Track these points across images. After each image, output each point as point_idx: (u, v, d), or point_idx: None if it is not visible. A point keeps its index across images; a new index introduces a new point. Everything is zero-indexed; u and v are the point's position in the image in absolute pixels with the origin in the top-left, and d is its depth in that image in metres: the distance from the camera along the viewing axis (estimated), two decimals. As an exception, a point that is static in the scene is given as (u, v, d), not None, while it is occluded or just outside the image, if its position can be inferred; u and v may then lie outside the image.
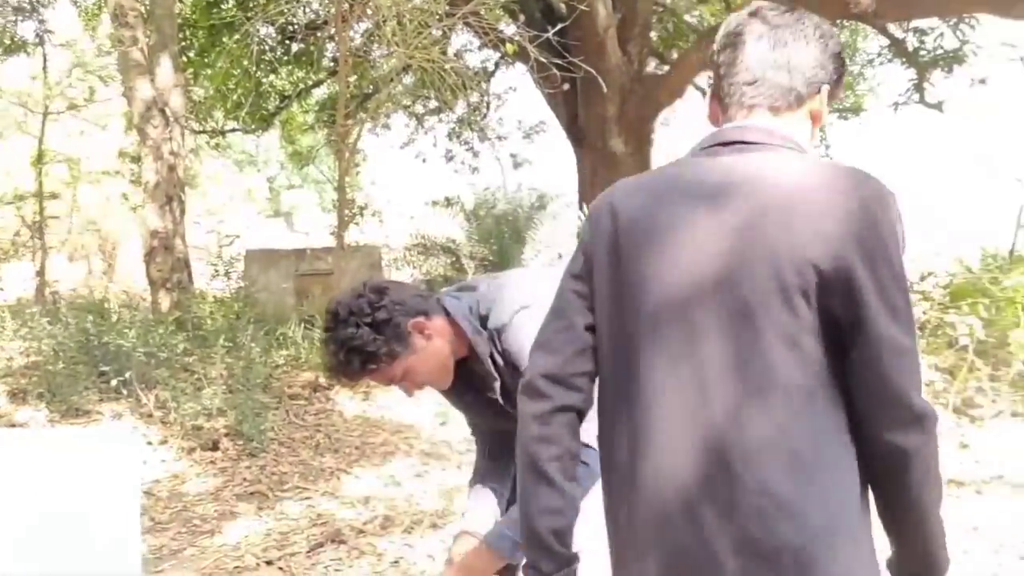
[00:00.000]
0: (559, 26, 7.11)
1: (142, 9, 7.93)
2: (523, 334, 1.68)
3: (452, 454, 4.68)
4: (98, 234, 11.78)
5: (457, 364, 1.87)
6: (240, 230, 11.53)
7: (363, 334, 1.75)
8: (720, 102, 1.33)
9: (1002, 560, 3.11)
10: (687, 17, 12.35)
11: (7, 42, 10.77)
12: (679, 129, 13.06)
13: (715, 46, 1.35)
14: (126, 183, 10.80)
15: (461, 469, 4.30)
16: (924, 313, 6.12)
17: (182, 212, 7.92)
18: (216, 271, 9.57)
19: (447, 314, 1.84)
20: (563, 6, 8.22)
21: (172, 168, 7.69)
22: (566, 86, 8.00)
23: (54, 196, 10.23)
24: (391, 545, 3.46)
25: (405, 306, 1.80)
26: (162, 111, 7.58)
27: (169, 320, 6.39)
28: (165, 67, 7.66)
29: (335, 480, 4.26)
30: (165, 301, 7.56)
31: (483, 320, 1.82)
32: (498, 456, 2.03)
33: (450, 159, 15.00)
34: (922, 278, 6.81)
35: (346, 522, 3.62)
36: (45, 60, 10.57)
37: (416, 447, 4.83)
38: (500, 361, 1.80)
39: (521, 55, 8.60)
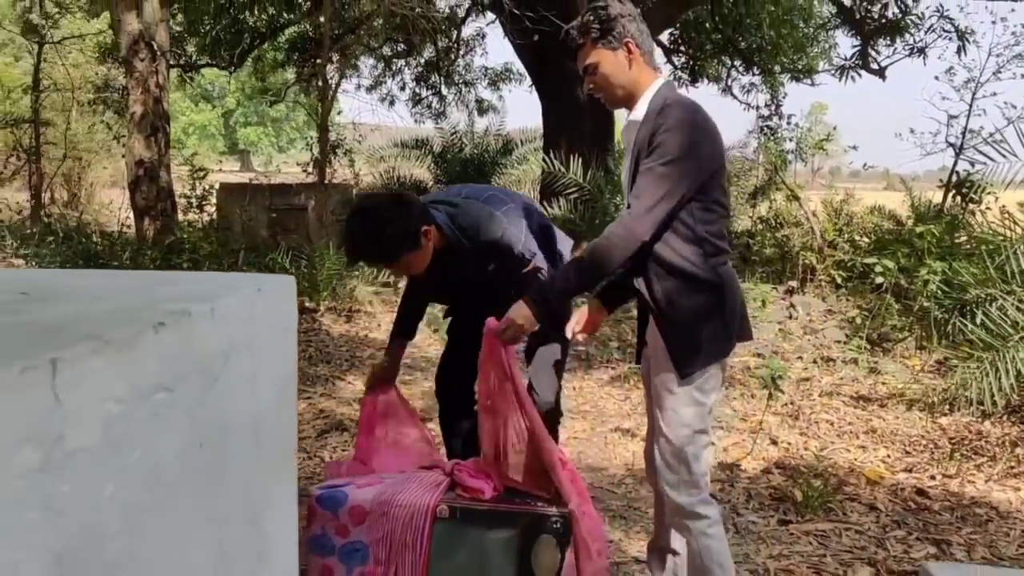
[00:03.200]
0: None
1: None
2: (510, 232, 2.51)
3: (432, 367, 5.26)
4: (78, 162, 11.94)
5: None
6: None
7: (400, 231, 2.39)
8: (644, 54, 2.10)
9: (890, 453, 3.83)
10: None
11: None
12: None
13: (631, 15, 2.09)
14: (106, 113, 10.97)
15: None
16: (851, 259, 6.85)
17: (167, 143, 8.26)
18: (189, 203, 9.88)
19: (435, 223, 2.49)
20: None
21: (158, 100, 8.00)
22: (535, 37, 8.45)
23: (48, 124, 10.41)
24: (384, 437, 4.04)
25: (423, 216, 2.45)
26: (148, 44, 7.86)
27: (162, 245, 6.80)
28: (152, 2, 7.92)
29: (331, 384, 4.82)
30: (150, 229, 7.95)
31: (462, 228, 2.52)
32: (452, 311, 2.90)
33: (417, 102, 15.35)
34: (848, 226, 7.55)
35: (346, 415, 4.19)
36: None
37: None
38: (470, 253, 2.52)
39: (494, 5, 9.02)
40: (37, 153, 9.90)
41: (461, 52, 14.49)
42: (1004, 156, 6.49)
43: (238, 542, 1.20)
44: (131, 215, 8.35)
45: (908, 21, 9.16)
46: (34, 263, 5.86)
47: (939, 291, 5.15)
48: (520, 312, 2.08)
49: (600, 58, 2.09)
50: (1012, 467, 3.56)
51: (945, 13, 9.08)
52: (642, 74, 2.11)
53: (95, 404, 0.83)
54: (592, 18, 2.09)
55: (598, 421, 4.35)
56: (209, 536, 1.11)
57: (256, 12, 11.57)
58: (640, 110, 2.08)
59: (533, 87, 11.32)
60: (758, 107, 12.69)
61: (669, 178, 1.95)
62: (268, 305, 1.34)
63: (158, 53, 7.92)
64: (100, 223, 9.58)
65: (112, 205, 11.35)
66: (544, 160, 8.82)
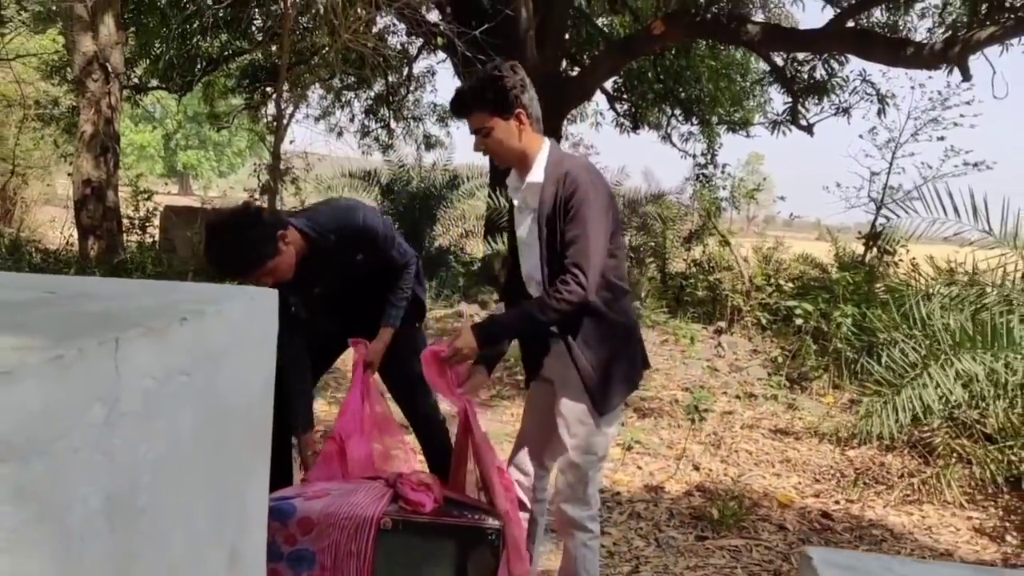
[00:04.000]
0: (485, 26, 7.84)
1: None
2: (370, 217, 2.77)
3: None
4: (16, 178, 11.79)
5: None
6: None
7: (256, 236, 2.52)
8: (534, 122, 2.30)
9: (801, 480, 4.15)
10: (600, 22, 13.34)
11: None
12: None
13: (523, 85, 2.30)
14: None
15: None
16: (775, 303, 7.27)
17: (116, 164, 8.32)
18: (132, 223, 9.88)
19: (295, 228, 2.65)
20: (487, 4, 8.96)
21: (109, 121, 8.08)
22: (485, 78, 8.79)
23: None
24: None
25: (276, 220, 2.63)
26: (103, 66, 7.95)
27: (107, 264, 6.84)
28: (108, 24, 8.02)
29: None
30: (94, 247, 7.97)
31: (322, 224, 2.72)
32: (317, 311, 2.93)
33: (365, 134, 15.55)
34: (776, 272, 8.00)
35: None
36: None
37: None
38: (336, 247, 2.69)
39: (447, 46, 9.34)
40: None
41: (411, 87, 14.78)
42: (915, 213, 7.00)
43: (227, 504, 1.42)
44: (75, 233, 8.34)
45: (834, 83, 9.81)
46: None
47: (850, 334, 5.56)
48: (466, 340, 2.29)
49: (493, 124, 2.28)
50: (907, 495, 3.90)
51: (867, 77, 9.77)
52: (532, 140, 2.31)
53: (140, 378, 1.05)
54: (486, 86, 2.28)
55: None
56: (210, 497, 1.32)
57: (210, 39, 11.68)
58: (537, 173, 2.29)
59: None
60: (695, 155, 13.26)
61: (597, 241, 2.20)
62: (258, 312, 1.57)
63: (112, 75, 8.01)
64: (39, 240, 9.49)
65: (54, 223, 11.24)
66: (489, 196, 9.11)
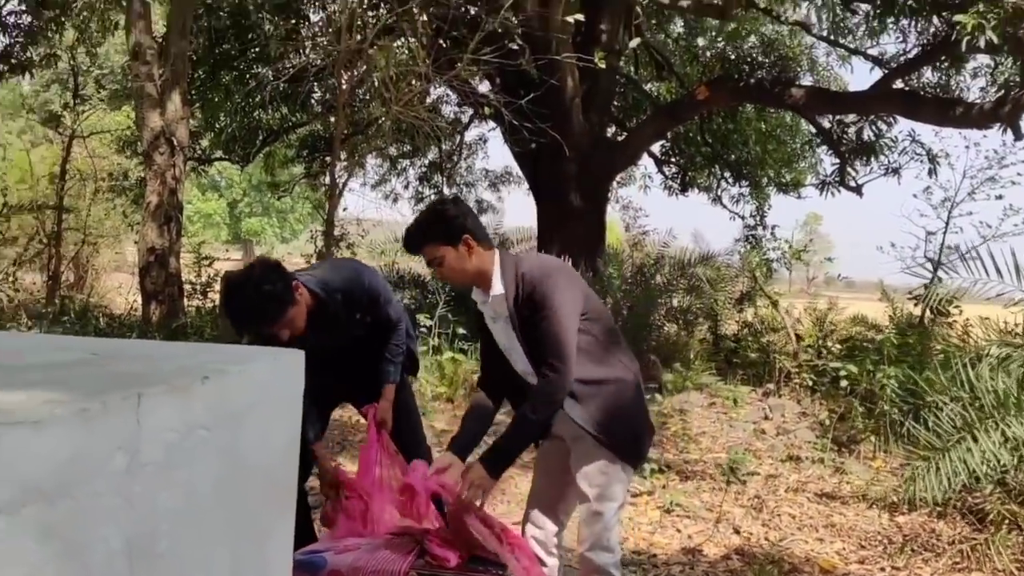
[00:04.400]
0: (531, 95, 8.08)
1: (158, 48, 8.76)
2: (375, 281, 2.97)
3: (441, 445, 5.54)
4: (89, 246, 12.40)
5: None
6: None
7: (276, 289, 2.64)
8: (481, 242, 2.44)
9: (845, 545, 4.07)
10: (646, 87, 13.58)
11: (13, 62, 11.46)
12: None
13: (464, 214, 2.51)
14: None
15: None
16: (823, 364, 7.18)
17: (178, 232, 8.70)
18: (194, 288, 10.24)
19: (302, 284, 2.78)
20: (535, 73, 9.23)
21: (173, 192, 8.48)
22: (533, 145, 9.01)
23: (69, 211, 10.95)
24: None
25: (288, 273, 2.74)
26: (169, 140, 8.39)
27: (167, 328, 7.12)
28: (175, 101, 8.49)
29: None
30: (156, 312, 8.29)
31: (329, 283, 2.87)
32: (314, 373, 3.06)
33: (419, 201, 15.95)
34: (827, 334, 7.90)
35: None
36: (76, 87, 11.37)
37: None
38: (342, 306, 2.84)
39: (495, 116, 9.62)
40: (58, 238, 10.39)
41: (463, 155, 15.17)
42: (974, 274, 6.88)
43: (246, 558, 1.50)
44: (139, 298, 8.70)
45: (882, 144, 9.78)
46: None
47: (896, 396, 5.46)
48: (478, 475, 2.42)
49: (443, 253, 2.45)
50: (956, 562, 3.79)
51: (917, 137, 9.72)
52: (482, 259, 2.46)
53: (161, 431, 1.16)
54: (432, 221, 2.49)
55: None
56: (226, 549, 1.41)
57: (271, 112, 12.22)
58: (497, 286, 2.44)
59: (530, 190, 11.88)
60: (743, 217, 13.25)
61: (564, 326, 2.36)
62: (283, 372, 1.67)
63: (177, 148, 8.44)
64: (106, 306, 9.92)
65: (120, 288, 11.73)
66: (537, 260, 9.23)
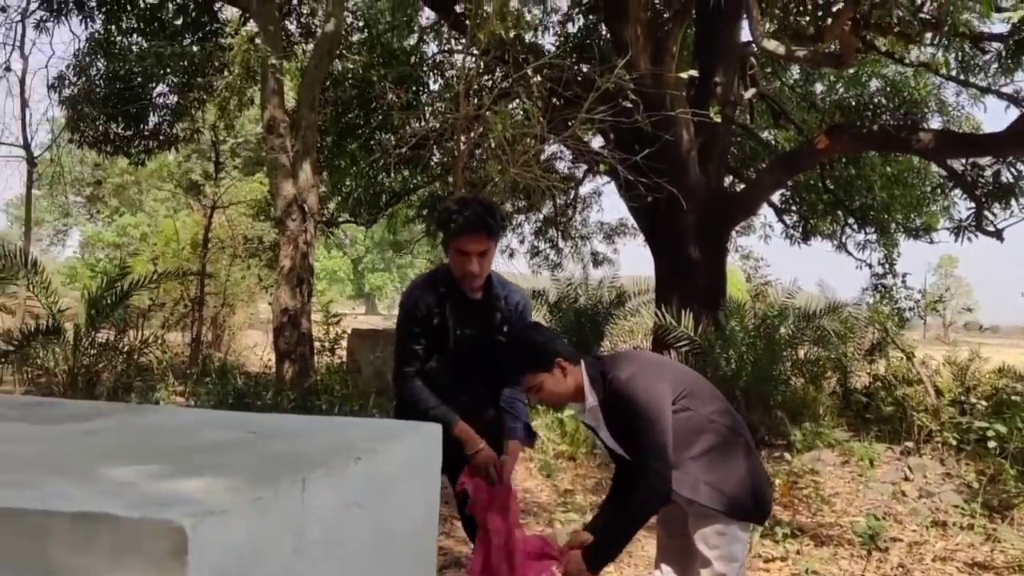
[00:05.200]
0: (646, 151, 8.10)
1: (290, 120, 9.32)
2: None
3: (545, 512, 5.51)
4: (227, 308, 13.20)
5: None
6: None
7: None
8: (569, 359, 2.57)
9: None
10: (764, 135, 13.37)
11: (161, 138, 12.44)
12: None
13: (551, 337, 2.69)
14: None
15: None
16: (967, 422, 6.76)
17: (309, 294, 9.11)
18: (323, 346, 10.67)
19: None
20: (649, 128, 9.28)
21: (305, 256, 8.92)
22: (649, 199, 9.00)
23: (211, 276, 11.78)
24: None
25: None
26: (300, 207, 8.86)
27: (300, 386, 7.44)
28: (306, 170, 8.98)
29: (450, 523, 5.14)
30: (289, 371, 8.68)
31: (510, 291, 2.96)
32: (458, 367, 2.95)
33: (535, 255, 16.16)
34: (969, 389, 7.45)
35: (463, 554, 4.49)
36: (218, 161, 12.31)
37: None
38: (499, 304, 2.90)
39: (611, 171, 9.69)
40: (201, 302, 11.14)
41: (578, 208, 15.31)
42: None
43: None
44: (273, 357, 9.13)
45: (1022, 186, 9.24)
46: (192, 401, 6.58)
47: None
48: (576, 568, 2.50)
49: (541, 380, 2.54)
50: None
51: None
52: (574, 374, 2.56)
53: (322, 511, 1.24)
54: (523, 351, 2.59)
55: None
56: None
57: (393, 175, 12.74)
58: (590, 398, 2.55)
59: (646, 242, 11.82)
60: (871, 264, 12.73)
61: (655, 427, 2.43)
62: (424, 446, 1.75)
63: (308, 214, 8.90)
64: (242, 364, 10.49)
65: (256, 348, 12.35)
66: (656, 313, 9.16)
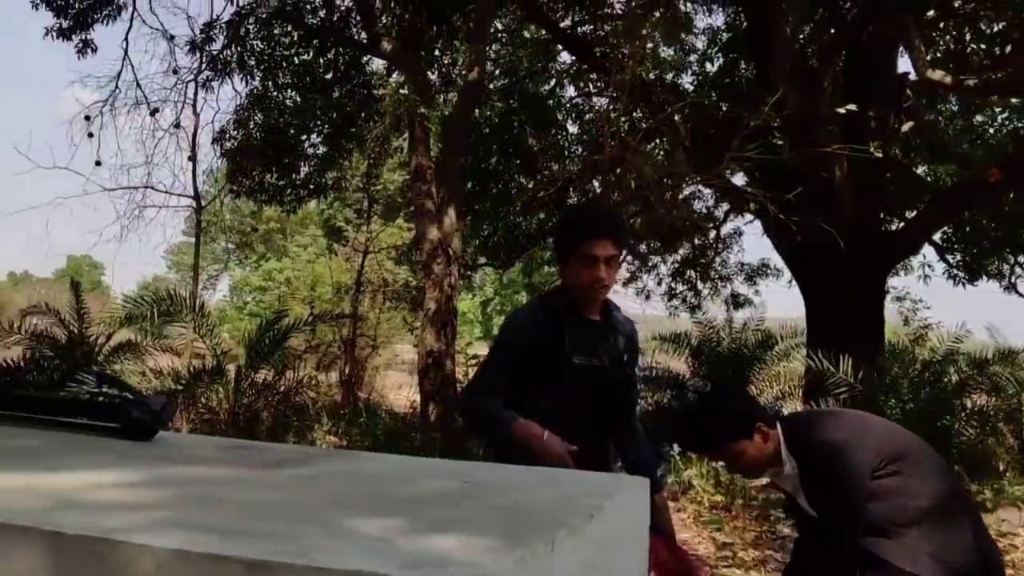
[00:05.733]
0: (798, 189, 7.80)
1: (434, 167, 9.57)
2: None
3: None
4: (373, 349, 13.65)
5: None
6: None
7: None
8: (766, 419, 2.44)
9: None
10: (920, 170, 12.66)
11: (311, 186, 13.05)
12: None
13: (750, 396, 2.63)
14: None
15: None
16: None
17: (453, 336, 9.24)
18: (462, 387, 10.75)
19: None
20: (798, 166, 8.95)
21: (449, 298, 9.06)
22: (799, 238, 8.64)
23: (362, 319, 12.27)
24: None
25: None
26: (445, 251, 9.02)
27: (445, 428, 7.49)
28: (450, 215, 9.16)
29: None
30: (434, 412, 8.78)
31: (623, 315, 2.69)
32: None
33: (672, 296, 15.83)
34: None
35: None
36: (370, 208, 12.90)
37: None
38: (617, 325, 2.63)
39: (759, 211, 9.40)
40: (353, 344, 11.57)
41: (718, 249, 14.93)
42: None
43: None
44: (417, 398, 9.28)
45: None
46: (345, 440, 6.74)
47: None
48: None
49: (742, 448, 2.38)
50: None
51: None
52: (773, 439, 2.39)
53: (567, 572, 1.15)
54: (722, 419, 2.42)
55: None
56: None
57: (530, 218, 12.85)
58: (789, 464, 2.38)
59: (792, 282, 11.35)
60: (1048, 306, 11.73)
61: (848, 507, 2.27)
62: (635, 503, 1.65)
63: (452, 258, 9.05)
64: (387, 404, 10.73)
65: (400, 390, 12.64)
66: (809, 357, 8.73)
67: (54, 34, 10.33)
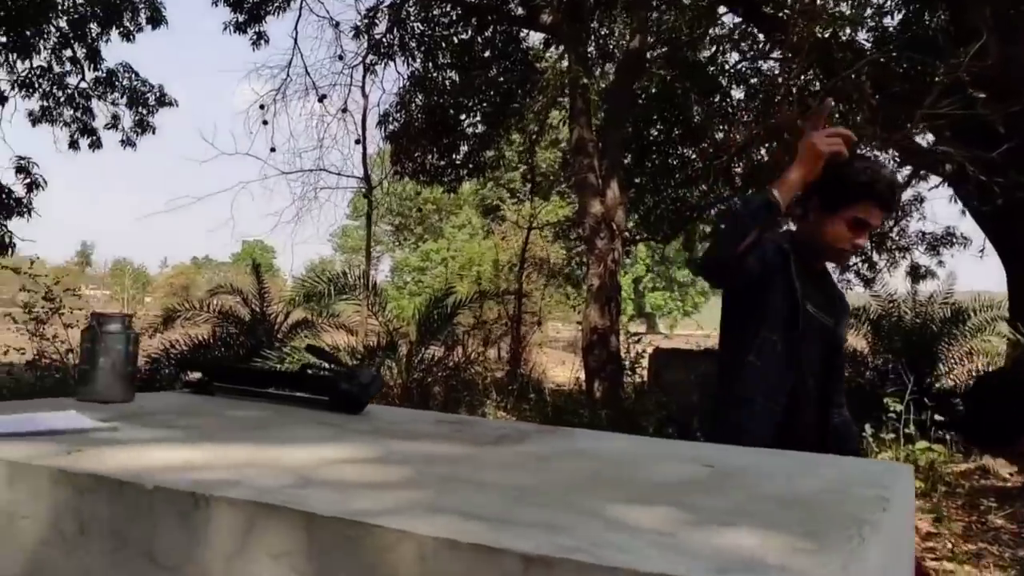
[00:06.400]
0: (1003, 147, 7.06)
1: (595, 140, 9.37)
2: None
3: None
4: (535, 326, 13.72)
5: None
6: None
7: None
8: None
9: None
10: None
11: (471, 165, 13.14)
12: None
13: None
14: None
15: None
16: None
17: (617, 312, 9.06)
18: (624, 366, 10.55)
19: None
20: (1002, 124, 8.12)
21: (613, 274, 8.88)
22: (1000, 201, 7.84)
23: (527, 295, 12.38)
24: None
25: None
26: (608, 226, 8.83)
27: (612, 405, 7.35)
28: (613, 188, 8.95)
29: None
30: (599, 389, 8.65)
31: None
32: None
33: (844, 270, 14.88)
34: None
35: None
36: (534, 183, 12.96)
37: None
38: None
39: (956, 173, 8.61)
40: (519, 320, 11.66)
41: (897, 216, 13.88)
42: None
43: None
44: (582, 374, 9.18)
45: None
46: (514, 415, 6.75)
47: None
48: None
49: None
50: None
51: None
52: None
53: (869, 570, 0.96)
54: None
55: None
56: None
57: (691, 190, 12.41)
58: None
59: (982, 252, 10.40)
60: None
61: None
62: (907, 491, 1.45)
63: (616, 232, 8.85)
64: (548, 379, 10.73)
65: (556, 364, 12.63)
66: (1011, 332, 7.95)
67: (232, 28, 10.89)
